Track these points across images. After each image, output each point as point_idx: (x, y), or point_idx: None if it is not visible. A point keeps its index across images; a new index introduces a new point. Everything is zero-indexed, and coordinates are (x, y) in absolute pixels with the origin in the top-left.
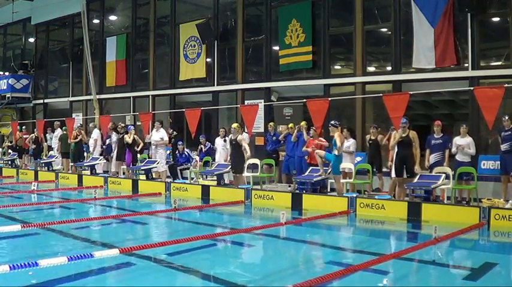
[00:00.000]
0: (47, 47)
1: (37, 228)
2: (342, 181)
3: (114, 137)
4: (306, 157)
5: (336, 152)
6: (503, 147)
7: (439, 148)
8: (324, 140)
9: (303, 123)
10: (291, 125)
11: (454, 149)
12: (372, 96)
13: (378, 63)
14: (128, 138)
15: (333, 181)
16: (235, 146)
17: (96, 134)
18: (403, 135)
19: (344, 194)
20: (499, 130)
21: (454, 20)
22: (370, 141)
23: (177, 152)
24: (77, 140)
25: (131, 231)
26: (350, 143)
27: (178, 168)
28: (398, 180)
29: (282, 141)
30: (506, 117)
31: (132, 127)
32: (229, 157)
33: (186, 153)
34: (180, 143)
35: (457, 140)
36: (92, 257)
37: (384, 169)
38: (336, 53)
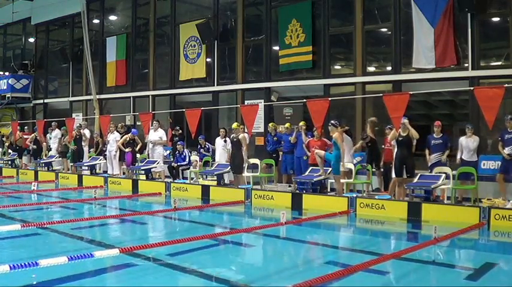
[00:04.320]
0: (47, 47)
1: (37, 228)
2: (341, 180)
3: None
4: (304, 157)
5: (341, 152)
6: (508, 150)
7: (438, 148)
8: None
9: (301, 123)
10: (287, 124)
11: (459, 153)
12: (372, 96)
13: (378, 63)
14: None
15: (333, 181)
16: (236, 144)
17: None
18: (403, 134)
19: (344, 194)
20: (500, 132)
21: (454, 20)
22: (369, 143)
23: (176, 152)
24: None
25: (131, 231)
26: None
27: (180, 168)
28: (398, 180)
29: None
30: (509, 117)
31: (136, 131)
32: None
33: (185, 153)
34: (180, 143)
35: (463, 141)
36: (92, 257)
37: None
38: (336, 53)
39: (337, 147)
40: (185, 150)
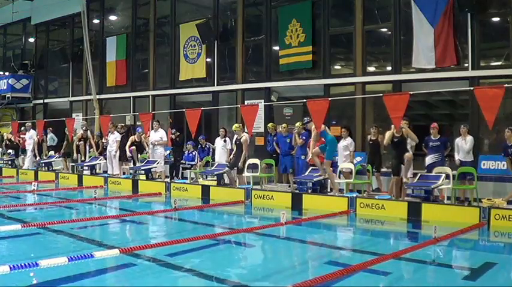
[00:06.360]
0: (47, 47)
1: (37, 228)
2: (341, 181)
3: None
4: (302, 157)
5: (312, 137)
6: None
7: (436, 150)
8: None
9: (297, 124)
10: (284, 125)
11: (456, 154)
12: (372, 96)
13: (378, 63)
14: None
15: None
16: (239, 146)
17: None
18: (398, 135)
19: (344, 194)
20: (503, 146)
21: (454, 20)
22: (371, 142)
23: (186, 151)
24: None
25: (131, 231)
26: (348, 143)
27: (182, 166)
28: (396, 179)
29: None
30: (508, 129)
31: (140, 129)
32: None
33: (194, 153)
34: (189, 143)
35: (458, 141)
36: (92, 257)
37: (384, 169)
38: (336, 53)
39: (328, 137)
40: (194, 151)
